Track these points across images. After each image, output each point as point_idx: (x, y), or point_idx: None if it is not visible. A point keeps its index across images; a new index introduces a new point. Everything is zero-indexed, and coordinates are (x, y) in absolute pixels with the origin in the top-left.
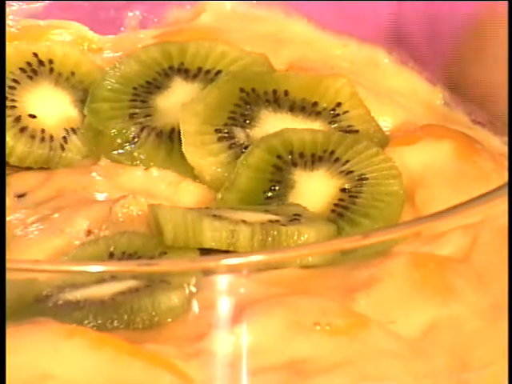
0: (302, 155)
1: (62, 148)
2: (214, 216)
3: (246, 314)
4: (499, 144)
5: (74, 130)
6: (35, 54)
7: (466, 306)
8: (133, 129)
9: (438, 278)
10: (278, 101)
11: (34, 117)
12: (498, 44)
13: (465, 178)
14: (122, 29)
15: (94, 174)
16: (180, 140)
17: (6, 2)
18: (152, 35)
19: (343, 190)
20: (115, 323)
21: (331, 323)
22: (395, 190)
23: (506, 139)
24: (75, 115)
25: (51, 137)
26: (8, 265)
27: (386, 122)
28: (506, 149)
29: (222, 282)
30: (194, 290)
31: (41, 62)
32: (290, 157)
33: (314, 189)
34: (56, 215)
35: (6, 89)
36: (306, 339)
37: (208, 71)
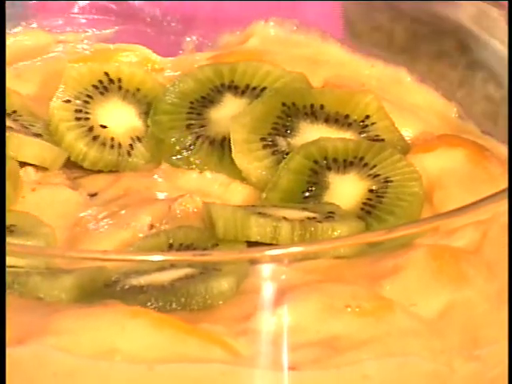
0: (335, 160)
1: (129, 154)
2: (259, 213)
3: (287, 297)
4: (505, 151)
5: (139, 139)
6: (106, 73)
7: (477, 291)
8: (189, 138)
9: (453, 267)
10: (314, 113)
11: (104, 127)
12: None
13: (476, 181)
14: (181, 52)
15: (156, 176)
16: (230, 147)
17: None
18: (206, 57)
19: (371, 191)
20: (174, 305)
21: (360, 306)
22: (416, 191)
23: None
24: (140, 126)
25: (119, 144)
26: (81, 255)
27: (408, 132)
28: None
29: (266, 270)
30: (241, 276)
31: (111, 80)
32: (325, 162)
33: (346, 190)
34: (123, 212)
35: (81, 103)
36: (339, 320)
37: (254, 88)
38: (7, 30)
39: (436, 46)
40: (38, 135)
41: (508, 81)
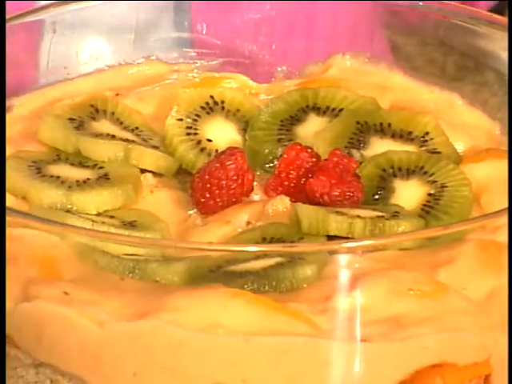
0: (400, 169)
1: None
2: (337, 212)
3: (360, 282)
4: None
5: None
6: (212, 97)
7: None
8: (280, 149)
9: (497, 258)
10: (383, 130)
11: (210, 141)
12: None
13: None
14: (273, 79)
15: None
16: None
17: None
18: (294, 84)
19: (429, 195)
20: (266, 288)
21: (421, 289)
22: (467, 195)
23: None
24: (239, 140)
25: None
26: (191, 245)
27: (460, 146)
28: None
29: (343, 259)
30: (322, 264)
31: (216, 102)
32: (391, 170)
33: (409, 193)
34: (225, 210)
35: (191, 121)
36: (403, 301)
37: (334, 109)
38: (133, 61)
39: (480, 77)
40: (155, 147)
41: (508, 80)
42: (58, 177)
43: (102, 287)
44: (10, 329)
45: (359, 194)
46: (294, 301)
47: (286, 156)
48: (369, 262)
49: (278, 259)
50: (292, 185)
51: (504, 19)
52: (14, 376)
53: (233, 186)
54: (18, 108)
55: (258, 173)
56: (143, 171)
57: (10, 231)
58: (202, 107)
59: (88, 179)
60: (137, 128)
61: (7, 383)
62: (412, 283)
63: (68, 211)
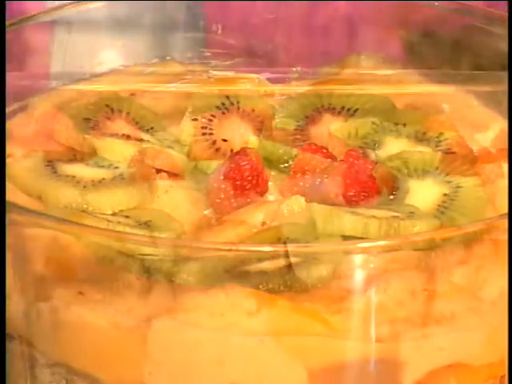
0: (415, 169)
1: None
2: (353, 212)
3: (374, 282)
4: None
5: None
6: (227, 97)
7: None
8: (295, 149)
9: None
10: (398, 130)
11: (225, 141)
12: None
13: None
14: (288, 79)
15: None
16: None
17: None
18: (309, 84)
19: (444, 195)
20: (281, 288)
21: (435, 289)
22: (481, 195)
23: None
24: (254, 140)
25: None
26: (206, 245)
27: (475, 147)
28: None
29: (357, 259)
30: (337, 264)
31: (231, 103)
32: (406, 170)
33: (424, 194)
34: (240, 210)
35: (206, 121)
36: (417, 301)
37: (349, 109)
38: (148, 61)
39: (494, 77)
40: (170, 147)
41: (508, 79)
42: (74, 176)
43: (117, 287)
44: (24, 329)
45: (374, 194)
46: (308, 301)
47: (301, 156)
48: (384, 262)
49: (293, 259)
50: (307, 185)
51: None
52: (28, 376)
53: (247, 187)
54: (33, 108)
55: (273, 173)
56: (158, 171)
57: (25, 231)
58: (217, 107)
59: (103, 179)
60: (152, 128)
61: (22, 383)
62: (426, 283)
63: (83, 211)
